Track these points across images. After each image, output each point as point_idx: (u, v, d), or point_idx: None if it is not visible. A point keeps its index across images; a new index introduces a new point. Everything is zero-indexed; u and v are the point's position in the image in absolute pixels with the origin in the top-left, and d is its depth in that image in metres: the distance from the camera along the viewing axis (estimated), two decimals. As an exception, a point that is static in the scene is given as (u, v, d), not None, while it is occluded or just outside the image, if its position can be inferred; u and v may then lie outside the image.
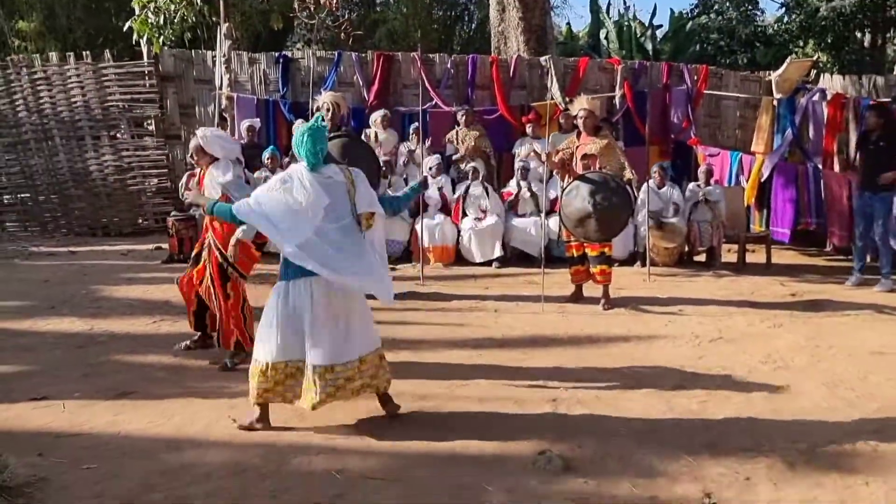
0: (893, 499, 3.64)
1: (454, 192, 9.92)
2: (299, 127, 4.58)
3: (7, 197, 11.72)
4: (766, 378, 5.42)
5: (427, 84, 10.86)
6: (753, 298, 7.88)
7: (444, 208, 9.76)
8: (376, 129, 10.02)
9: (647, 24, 21.24)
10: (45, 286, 8.07)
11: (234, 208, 4.35)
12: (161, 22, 11.58)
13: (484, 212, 9.57)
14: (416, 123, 9.87)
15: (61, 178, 11.49)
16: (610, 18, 21.63)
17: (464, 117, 10.32)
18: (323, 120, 7.67)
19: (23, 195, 11.68)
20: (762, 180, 10.57)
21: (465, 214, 9.66)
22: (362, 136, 9.37)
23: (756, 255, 10.08)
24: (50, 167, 11.47)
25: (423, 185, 5.21)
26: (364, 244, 4.43)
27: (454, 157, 10.26)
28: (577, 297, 7.66)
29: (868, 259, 8.89)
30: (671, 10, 22.53)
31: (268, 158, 9.70)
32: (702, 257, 9.75)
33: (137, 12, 11.99)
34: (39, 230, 11.54)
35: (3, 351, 5.88)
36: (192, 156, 5.70)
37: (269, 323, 4.36)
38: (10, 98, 11.45)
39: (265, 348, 4.36)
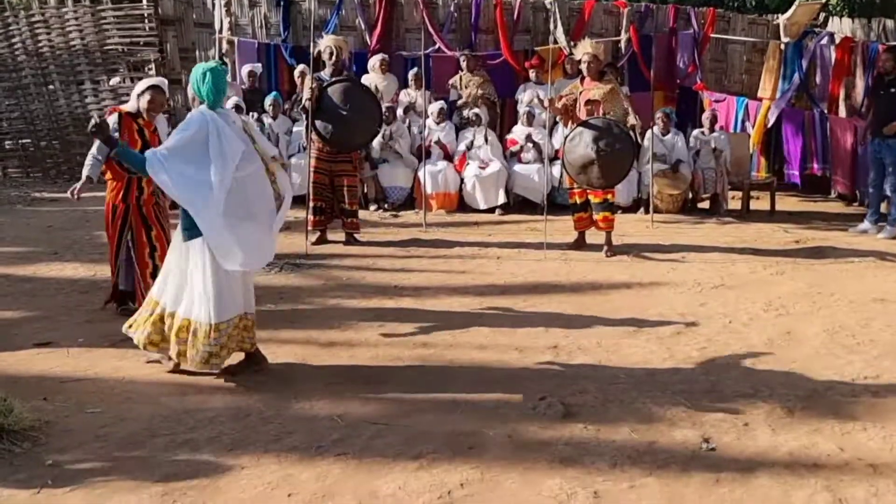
0: (891, 444, 3.67)
1: (457, 139, 9.84)
2: (199, 67, 4.30)
3: (8, 142, 11.64)
4: (767, 325, 5.44)
5: (430, 27, 10.71)
6: (756, 245, 7.87)
7: (447, 155, 9.69)
8: (375, 74, 9.89)
9: (654, -34, 20.82)
10: (48, 232, 8.07)
11: (148, 162, 4.06)
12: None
13: (486, 161, 9.50)
14: (417, 68, 9.75)
15: (62, 123, 11.38)
16: (617, -40, 21.21)
17: (465, 62, 10.19)
18: (324, 65, 7.68)
19: (24, 140, 11.59)
20: (768, 126, 10.48)
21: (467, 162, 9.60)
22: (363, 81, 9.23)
23: (761, 202, 10.04)
24: (50, 112, 11.37)
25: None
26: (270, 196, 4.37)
27: (458, 104, 10.15)
28: (579, 244, 7.65)
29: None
30: (680, -49, 21.96)
31: (270, 105, 9.62)
32: (706, 204, 9.71)
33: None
34: (41, 176, 11.48)
35: (6, 297, 5.91)
36: (149, 106, 5.27)
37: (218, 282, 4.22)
38: (9, 42, 11.30)
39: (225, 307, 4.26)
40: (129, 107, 5.37)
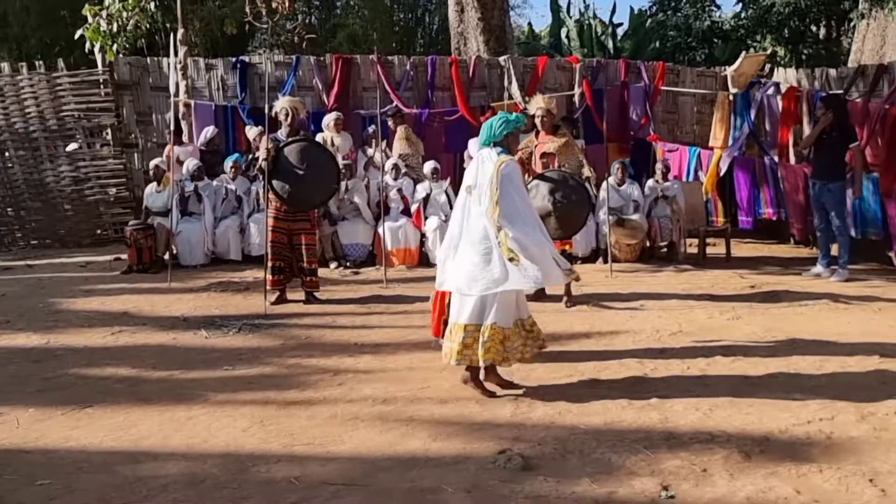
0: (846, 485, 3.69)
1: (413, 194, 9.91)
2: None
3: (-37, 211, 11.50)
4: (725, 369, 5.48)
5: (386, 86, 10.86)
6: (713, 291, 7.96)
7: (407, 209, 9.74)
8: (330, 132, 9.97)
9: (607, 23, 21.35)
10: (1, 301, 7.92)
11: None
12: (114, 30, 11.37)
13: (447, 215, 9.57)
14: (373, 126, 9.85)
15: (17, 191, 11.27)
16: (570, 17, 21.69)
17: (393, 122, 10.51)
18: (280, 125, 7.72)
19: (-22, 209, 11.47)
20: (721, 174, 10.69)
21: (426, 217, 9.65)
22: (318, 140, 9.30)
23: (718, 248, 10.19)
24: (5, 179, 11.26)
25: None
26: None
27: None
28: (539, 296, 7.66)
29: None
30: (631, 7, 22.58)
31: (231, 167, 9.64)
32: (663, 252, 9.84)
33: (90, 21, 11.78)
34: (-4, 243, 11.34)
35: (-44, 368, 5.77)
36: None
37: None
38: (-37, 111, 11.24)
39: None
40: None
